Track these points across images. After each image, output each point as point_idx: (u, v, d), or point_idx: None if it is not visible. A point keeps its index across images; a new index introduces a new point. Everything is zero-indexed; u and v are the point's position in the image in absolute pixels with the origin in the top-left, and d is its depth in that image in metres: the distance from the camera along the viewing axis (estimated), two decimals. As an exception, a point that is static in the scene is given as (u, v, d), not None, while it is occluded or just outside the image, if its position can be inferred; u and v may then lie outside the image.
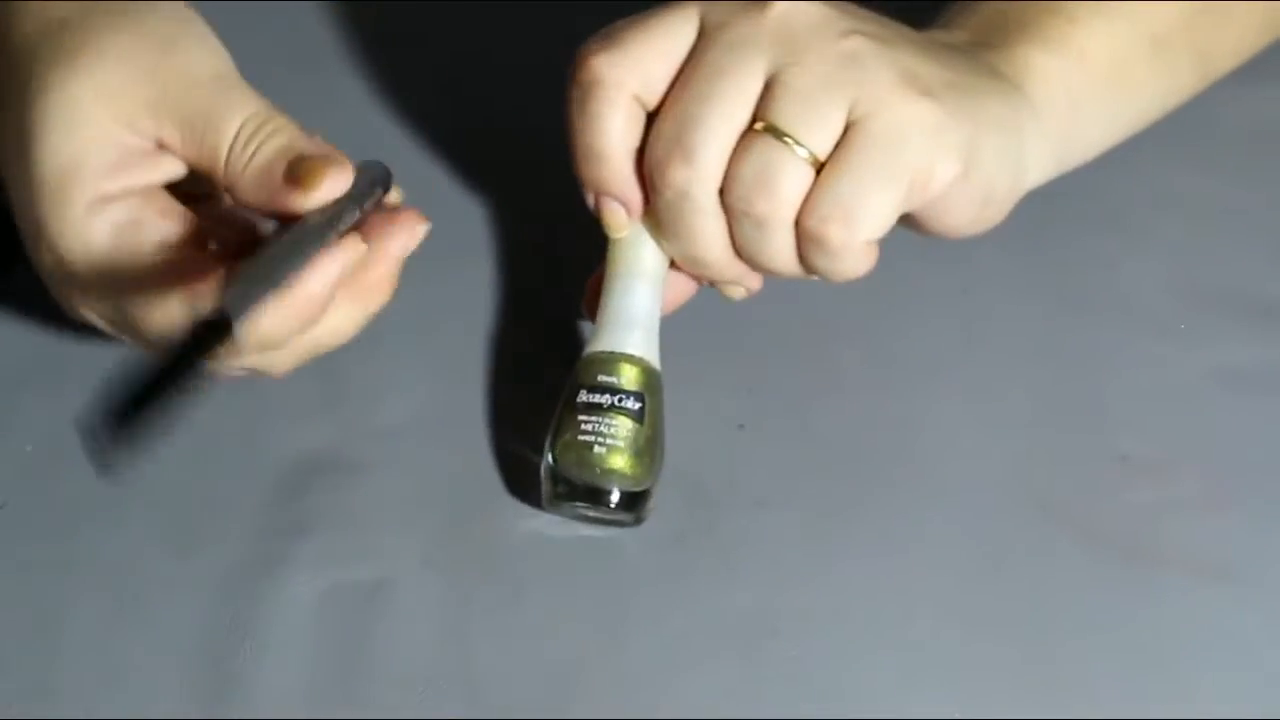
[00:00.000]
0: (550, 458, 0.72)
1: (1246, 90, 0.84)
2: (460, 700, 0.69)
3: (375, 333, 0.75)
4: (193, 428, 0.74)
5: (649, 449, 0.72)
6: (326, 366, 0.77)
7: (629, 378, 0.72)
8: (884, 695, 0.69)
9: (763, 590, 0.72)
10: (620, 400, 0.72)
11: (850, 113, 0.69)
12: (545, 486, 0.72)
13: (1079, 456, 0.75)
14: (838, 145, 0.69)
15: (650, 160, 0.71)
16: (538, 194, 0.81)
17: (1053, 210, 0.77)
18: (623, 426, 0.71)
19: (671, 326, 0.78)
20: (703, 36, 0.71)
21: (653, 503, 0.72)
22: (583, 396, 0.72)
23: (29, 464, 0.74)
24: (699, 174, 0.70)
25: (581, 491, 0.71)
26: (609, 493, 0.71)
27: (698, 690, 0.69)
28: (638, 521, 0.72)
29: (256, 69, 0.71)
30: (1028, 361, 0.77)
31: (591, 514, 0.72)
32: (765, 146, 0.69)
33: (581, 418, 0.71)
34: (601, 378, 0.72)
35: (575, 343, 0.78)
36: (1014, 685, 0.69)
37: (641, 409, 0.72)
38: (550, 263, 0.80)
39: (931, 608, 0.71)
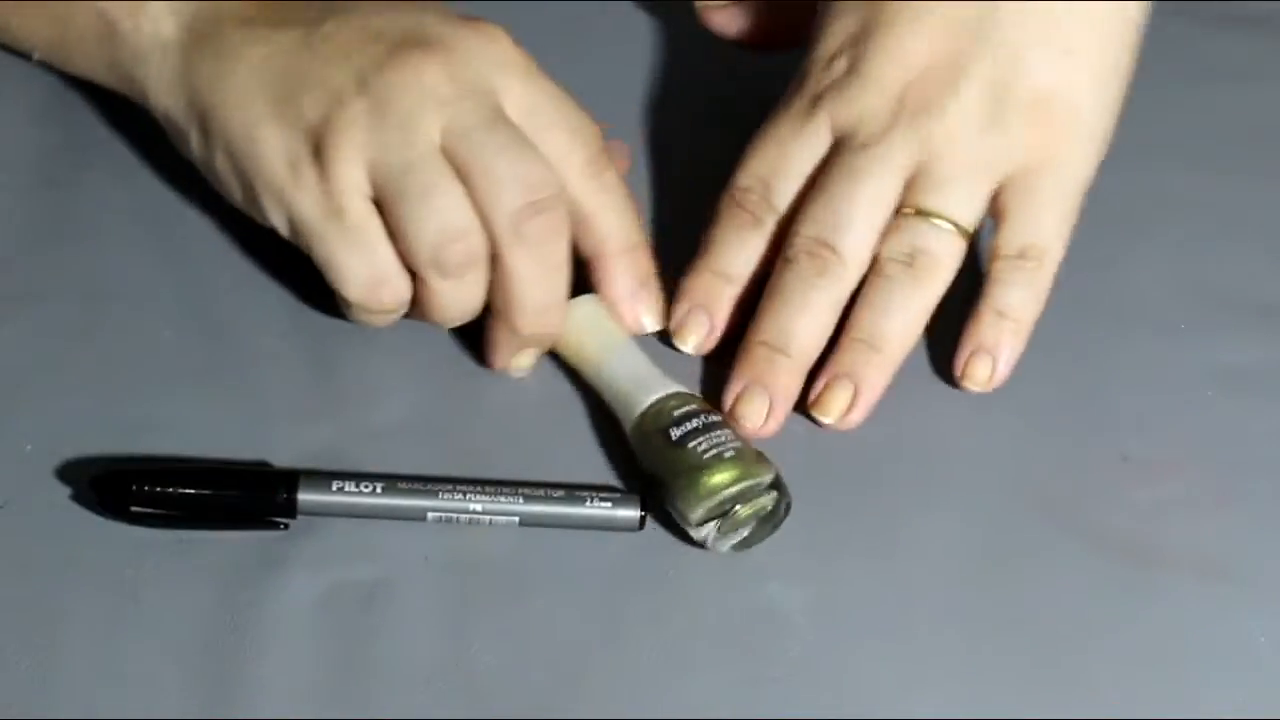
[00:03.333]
0: (687, 505, 0.71)
1: (1246, 90, 0.84)
2: (460, 700, 0.69)
3: (375, 333, 0.75)
4: (193, 427, 0.74)
5: (754, 449, 0.72)
6: (326, 366, 0.77)
7: (691, 404, 0.73)
8: (884, 695, 0.69)
9: (763, 590, 0.72)
10: (706, 416, 0.73)
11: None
12: (702, 525, 0.71)
13: (1079, 456, 0.75)
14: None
15: None
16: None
17: (1053, 210, 0.76)
18: (726, 433, 0.72)
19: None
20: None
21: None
22: (675, 433, 0.72)
23: (29, 464, 0.74)
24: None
25: (735, 498, 0.71)
26: (765, 481, 0.71)
27: (698, 690, 0.69)
28: (786, 509, 0.72)
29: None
30: (1028, 361, 0.77)
31: (753, 518, 0.71)
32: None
33: (691, 445, 0.72)
34: (675, 413, 0.73)
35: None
36: (1014, 685, 0.69)
37: (718, 420, 0.73)
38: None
39: (931, 608, 0.71)
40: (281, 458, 0.74)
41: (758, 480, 0.71)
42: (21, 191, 0.82)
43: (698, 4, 0.84)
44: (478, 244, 0.72)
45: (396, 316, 0.74)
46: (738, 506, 0.71)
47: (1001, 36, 0.75)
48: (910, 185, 0.75)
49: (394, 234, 0.72)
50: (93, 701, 0.68)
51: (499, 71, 0.73)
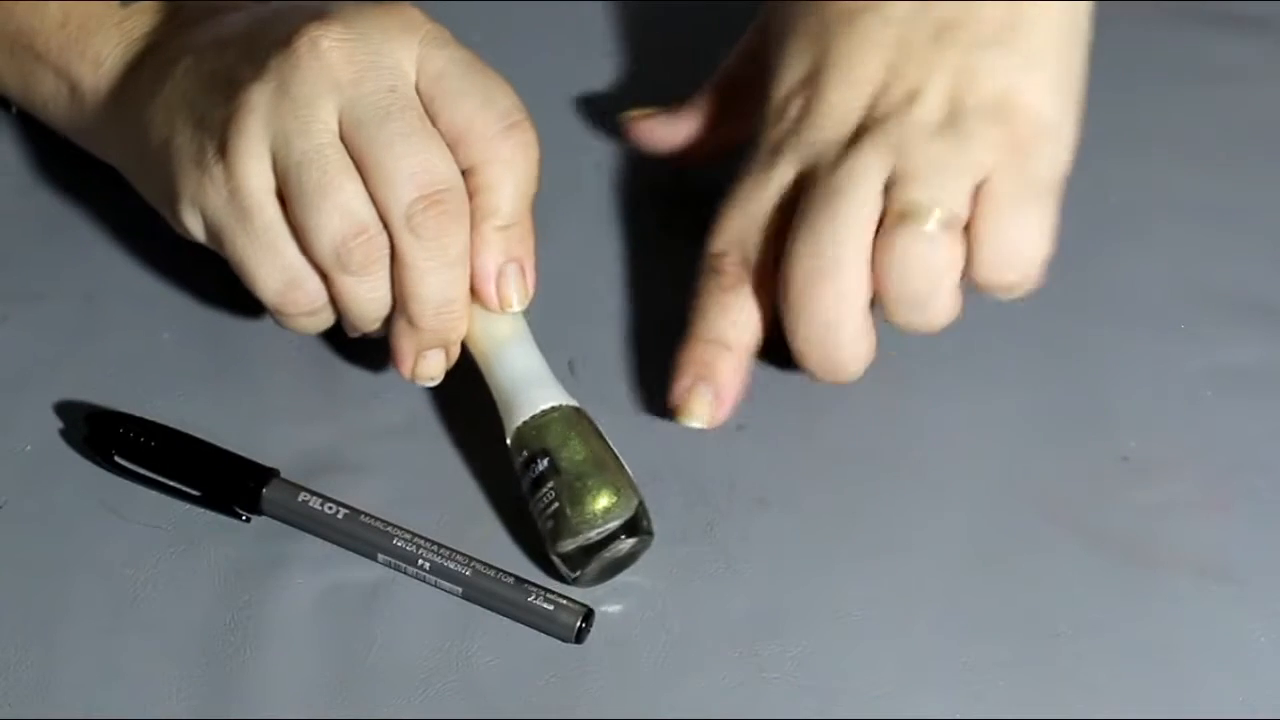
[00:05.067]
0: (552, 549, 0.71)
1: (1246, 90, 0.84)
2: (460, 700, 0.69)
3: (375, 333, 0.75)
4: (193, 428, 0.74)
5: (586, 483, 0.71)
6: (326, 367, 0.77)
7: (529, 446, 0.72)
8: (884, 695, 0.69)
9: (763, 590, 0.72)
10: (534, 467, 0.72)
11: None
12: (564, 569, 0.71)
13: (1079, 456, 0.75)
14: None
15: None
16: (538, 195, 0.81)
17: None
18: (548, 493, 0.71)
19: (671, 328, 0.78)
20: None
21: (645, 517, 0.71)
22: (524, 486, 0.72)
23: (29, 464, 0.74)
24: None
25: (579, 552, 0.71)
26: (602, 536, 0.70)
27: (698, 690, 0.69)
28: (647, 535, 0.71)
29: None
30: (1028, 361, 0.77)
31: (613, 557, 0.71)
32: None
33: (531, 504, 0.71)
34: (518, 460, 0.72)
35: (570, 340, 0.77)
36: (1014, 685, 0.69)
37: (550, 464, 0.71)
38: (547, 261, 0.80)
39: (931, 608, 0.71)
40: (281, 458, 0.74)
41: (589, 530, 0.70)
42: (21, 191, 0.82)
43: (623, 116, 0.83)
44: (378, 239, 0.71)
45: (319, 321, 0.73)
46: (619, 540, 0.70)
47: (954, 50, 0.73)
48: (890, 192, 0.72)
49: (296, 232, 0.71)
50: (92, 701, 0.68)
51: (405, 40, 0.72)
